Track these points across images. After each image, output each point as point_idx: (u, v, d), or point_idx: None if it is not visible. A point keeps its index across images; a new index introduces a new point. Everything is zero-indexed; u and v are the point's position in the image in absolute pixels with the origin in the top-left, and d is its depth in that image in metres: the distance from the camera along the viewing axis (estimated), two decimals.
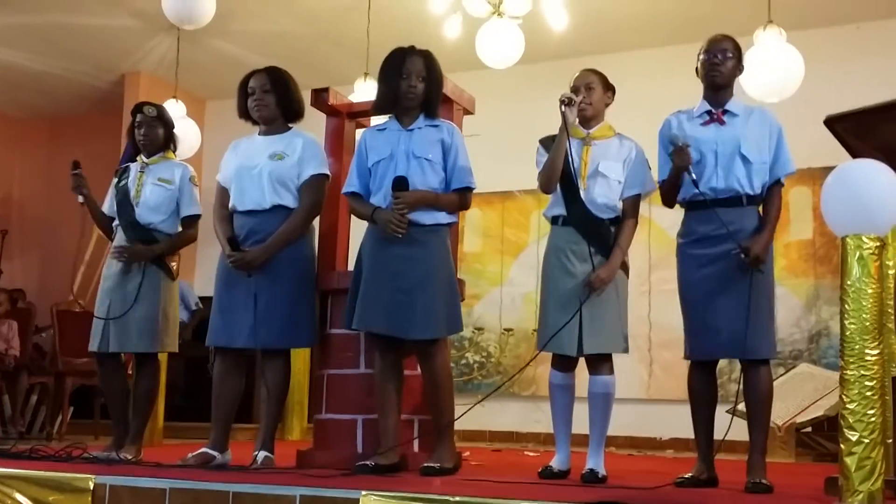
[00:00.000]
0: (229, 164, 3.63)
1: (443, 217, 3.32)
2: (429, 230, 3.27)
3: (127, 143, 4.06)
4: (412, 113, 3.37)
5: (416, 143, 3.31)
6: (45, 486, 2.98)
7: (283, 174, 3.50)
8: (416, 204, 3.23)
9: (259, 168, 3.50)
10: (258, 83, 3.57)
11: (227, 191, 3.61)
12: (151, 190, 3.87)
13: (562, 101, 3.19)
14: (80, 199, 3.90)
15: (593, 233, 3.23)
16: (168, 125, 4.03)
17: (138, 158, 3.99)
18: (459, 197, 3.36)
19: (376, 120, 3.68)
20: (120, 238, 3.88)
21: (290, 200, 3.51)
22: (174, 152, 4.05)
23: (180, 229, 3.94)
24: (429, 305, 3.20)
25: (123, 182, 3.94)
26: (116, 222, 3.92)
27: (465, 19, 5.50)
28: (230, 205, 3.58)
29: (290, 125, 3.66)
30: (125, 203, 3.87)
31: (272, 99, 3.57)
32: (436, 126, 3.36)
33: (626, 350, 3.25)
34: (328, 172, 3.61)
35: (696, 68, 3.18)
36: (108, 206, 4.00)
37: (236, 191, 3.55)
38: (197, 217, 3.97)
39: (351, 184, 3.42)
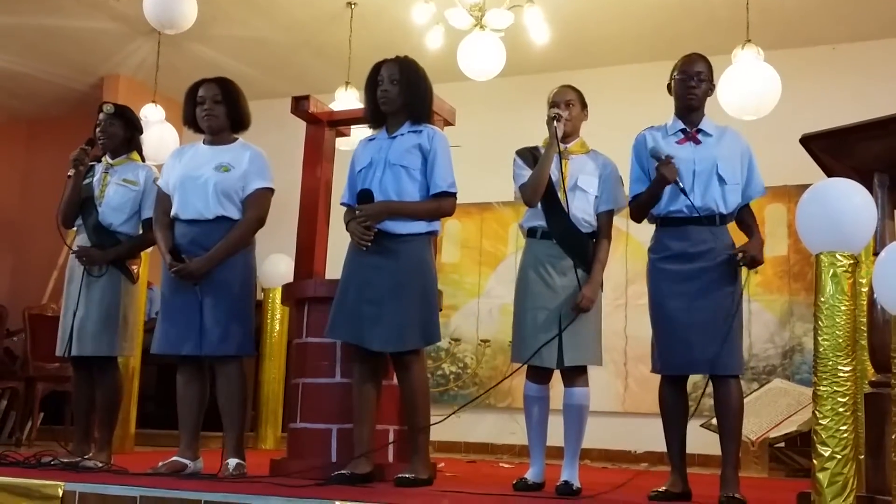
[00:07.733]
0: (172, 171, 3.59)
1: (419, 226, 3.28)
2: (402, 240, 3.25)
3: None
4: (397, 120, 3.37)
5: (394, 151, 3.30)
6: (14, 492, 2.94)
7: (228, 186, 3.48)
8: (378, 216, 3.21)
9: (204, 178, 3.48)
10: (209, 93, 3.57)
11: (168, 197, 3.58)
12: (115, 190, 3.83)
13: (552, 118, 3.22)
14: (72, 171, 3.77)
15: (575, 246, 3.24)
16: (131, 126, 3.97)
17: (103, 160, 3.93)
18: (438, 203, 3.31)
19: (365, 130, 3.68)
20: (83, 239, 3.83)
21: (233, 212, 3.49)
22: (140, 155, 3.99)
23: (140, 231, 3.87)
24: (397, 317, 3.18)
25: (88, 181, 3.87)
26: (80, 221, 3.85)
27: (447, 31, 5.52)
28: (172, 213, 3.54)
29: (235, 136, 3.65)
30: (89, 203, 3.82)
31: (222, 110, 3.57)
32: (418, 132, 3.34)
33: (601, 362, 3.28)
34: (273, 186, 3.58)
35: (669, 84, 3.21)
36: None
37: (180, 199, 3.51)
38: None
39: (343, 195, 3.43)
